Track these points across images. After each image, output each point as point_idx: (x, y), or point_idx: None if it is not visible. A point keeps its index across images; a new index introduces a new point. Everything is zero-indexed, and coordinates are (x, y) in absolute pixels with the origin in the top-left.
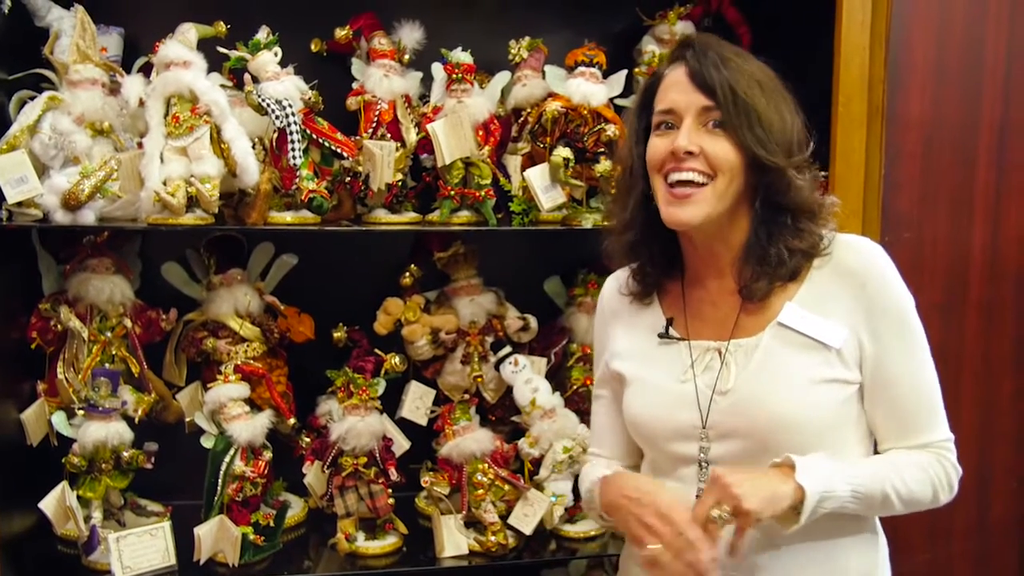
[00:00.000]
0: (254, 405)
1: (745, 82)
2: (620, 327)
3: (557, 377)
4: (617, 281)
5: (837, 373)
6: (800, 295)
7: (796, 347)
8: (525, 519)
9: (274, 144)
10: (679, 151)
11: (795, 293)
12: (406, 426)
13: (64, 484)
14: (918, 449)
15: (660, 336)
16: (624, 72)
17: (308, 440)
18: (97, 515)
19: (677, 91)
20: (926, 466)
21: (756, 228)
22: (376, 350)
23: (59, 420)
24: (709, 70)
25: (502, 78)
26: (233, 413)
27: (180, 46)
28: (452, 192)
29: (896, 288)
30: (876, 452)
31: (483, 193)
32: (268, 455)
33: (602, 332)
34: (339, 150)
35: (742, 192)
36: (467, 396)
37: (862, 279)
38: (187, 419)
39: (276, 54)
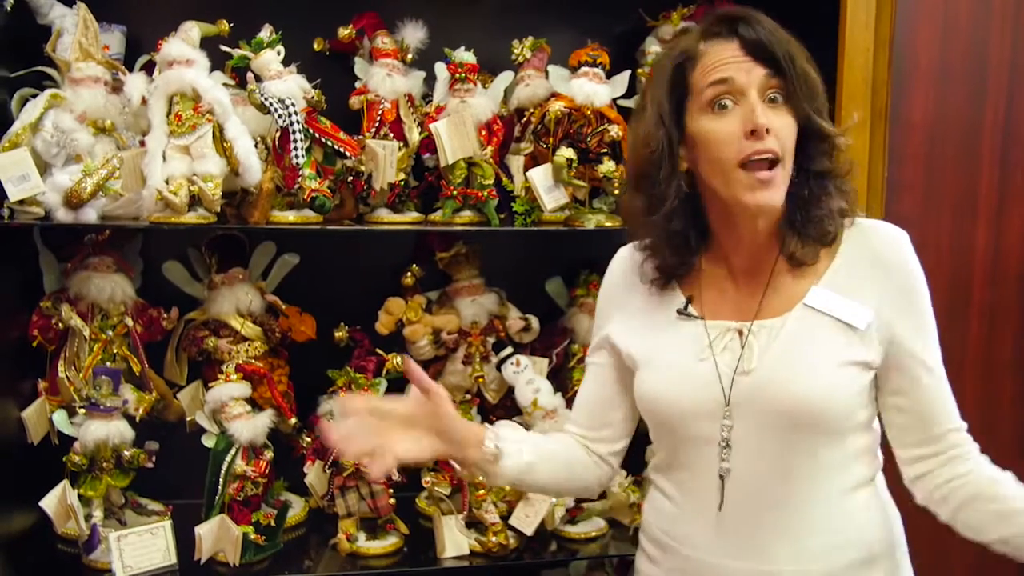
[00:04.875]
0: (255, 404)
1: (798, 50)
2: (633, 303)
3: (559, 378)
4: (628, 258)
5: (861, 356)
6: (826, 278)
7: (822, 328)
8: (526, 520)
9: (277, 143)
10: (761, 129)
11: (821, 277)
12: None
13: (65, 483)
14: (936, 440)
15: (680, 313)
16: (627, 73)
17: (309, 440)
18: (98, 514)
19: (733, 64)
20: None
21: (800, 193)
22: (378, 350)
23: (60, 419)
24: (768, 40)
25: (505, 78)
26: (234, 412)
27: (183, 44)
28: (455, 192)
29: (919, 274)
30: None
31: (486, 193)
32: (269, 455)
33: (607, 304)
34: (342, 149)
35: None
36: (468, 396)
37: (888, 264)
38: (188, 418)
39: (279, 53)
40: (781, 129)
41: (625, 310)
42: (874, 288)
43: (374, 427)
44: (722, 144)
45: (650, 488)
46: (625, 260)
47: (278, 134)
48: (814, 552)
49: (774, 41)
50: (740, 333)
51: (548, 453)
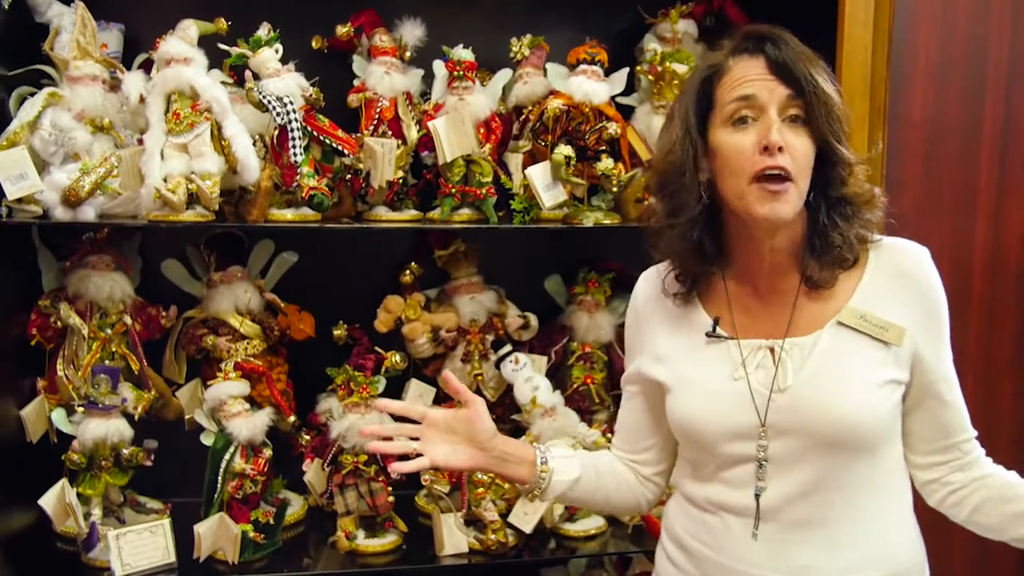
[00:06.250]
0: (254, 403)
1: (822, 73)
2: (659, 329)
3: (557, 375)
4: (650, 282)
5: (893, 374)
6: (856, 297)
7: (855, 347)
8: (525, 517)
9: (275, 141)
10: (773, 146)
11: (851, 295)
12: None
13: (64, 481)
14: (951, 449)
15: (708, 335)
16: (626, 70)
17: (308, 438)
18: (97, 512)
19: (757, 81)
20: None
21: (818, 218)
22: (376, 348)
23: (59, 417)
24: (792, 61)
25: (503, 76)
26: (233, 411)
27: (181, 42)
28: (453, 190)
29: (941, 291)
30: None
31: (484, 191)
32: (268, 453)
33: (635, 333)
34: (340, 147)
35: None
36: None
37: (915, 281)
38: (187, 416)
39: (277, 51)
40: (796, 148)
41: (652, 339)
42: (902, 306)
43: (413, 430)
44: (737, 156)
45: (676, 492)
46: (643, 288)
47: (276, 132)
48: (848, 566)
49: (799, 62)
50: (772, 351)
51: (593, 468)
